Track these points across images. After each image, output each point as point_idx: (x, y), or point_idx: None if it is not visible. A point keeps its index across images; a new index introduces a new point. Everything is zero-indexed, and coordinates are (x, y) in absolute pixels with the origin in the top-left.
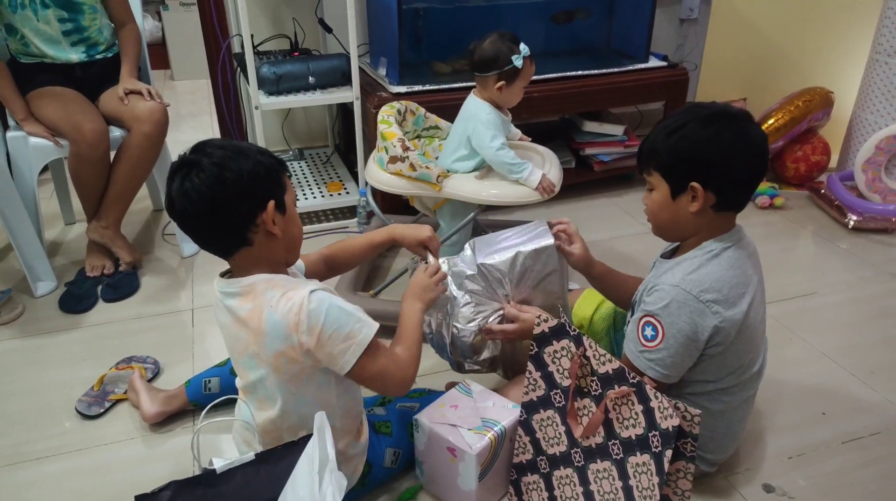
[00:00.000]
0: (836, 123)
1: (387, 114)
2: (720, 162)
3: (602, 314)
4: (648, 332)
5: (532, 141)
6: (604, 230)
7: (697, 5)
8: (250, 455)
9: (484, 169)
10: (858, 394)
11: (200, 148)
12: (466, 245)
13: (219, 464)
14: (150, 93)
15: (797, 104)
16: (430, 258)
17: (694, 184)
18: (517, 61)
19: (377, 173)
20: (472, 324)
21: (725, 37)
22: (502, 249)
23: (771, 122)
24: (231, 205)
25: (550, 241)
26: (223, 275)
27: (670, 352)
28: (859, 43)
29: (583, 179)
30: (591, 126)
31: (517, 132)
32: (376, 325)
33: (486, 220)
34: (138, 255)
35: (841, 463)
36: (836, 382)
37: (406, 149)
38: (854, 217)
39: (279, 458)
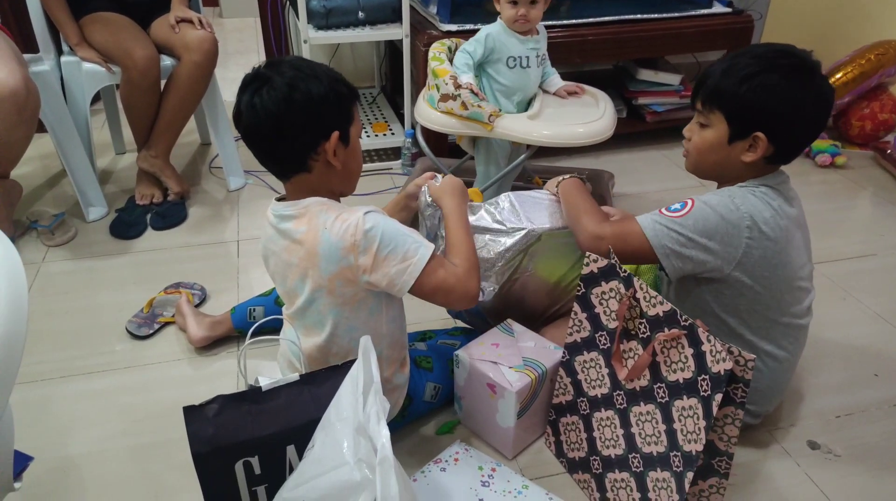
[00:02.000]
0: None
1: (438, 51)
2: (794, 118)
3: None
4: (676, 205)
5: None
6: (653, 182)
7: None
8: (295, 376)
9: (536, 108)
10: None
11: (275, 64)
12: (503, 197)
13: (264, 382)
14: (200, 21)
15: (868, 58)
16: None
17: (759, 134)
18: None
19: (427, 112)
20: (490, 286)
21: None
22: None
23: (839, 76)
24: (295, 129)
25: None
26: (278, 200)
27: (687, 228)
28: None
29: (634, 130)
30: (646, 74)
31: (556, 83)
32: (432, 246)
33: (533, 167)
34: (186, 186)
35: (890, 426)
36: (890, 344)
37: (458, 86)
38: None
39: (323, 380)
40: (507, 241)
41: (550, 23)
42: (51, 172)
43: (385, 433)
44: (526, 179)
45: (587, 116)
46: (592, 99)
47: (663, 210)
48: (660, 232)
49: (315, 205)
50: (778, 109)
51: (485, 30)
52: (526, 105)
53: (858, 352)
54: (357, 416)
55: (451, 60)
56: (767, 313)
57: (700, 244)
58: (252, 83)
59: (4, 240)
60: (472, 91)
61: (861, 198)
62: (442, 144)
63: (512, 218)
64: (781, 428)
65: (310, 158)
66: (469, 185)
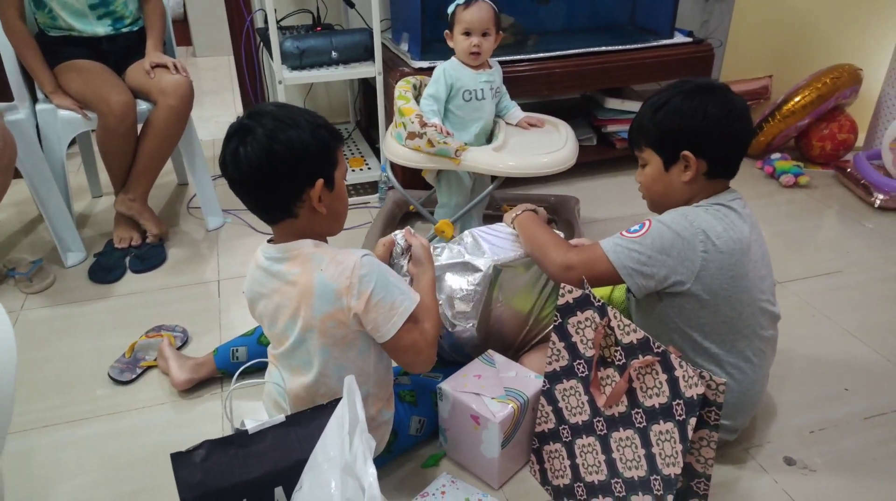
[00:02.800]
0: (865, 102)
1: (403, 89)
2: (707, 130)
3: (622, 290)
4: (635, 226)
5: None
6: (624, 207)
7: None
8: (281, 417)
9: (501, 140)
10: (882, 371)
11: (257, 114)
12: (466, 234)
13: (250, 425)
14: (175, 66)
15: (825, 81)
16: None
17: (685, 153)
18: (450, 9)
19: (395, 148)
20: (469, 322)
21: (751, 13)
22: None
23: (797, 99)
24: (278, 179)
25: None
26: (269, 242)
27: (646, 247)
28: (889, 20)
29: (603, 157)
30: (612, 103)
31: (517, 115)
32: (417, 298)
33: (502, 195)
34: (165, 227)
35: (863, 439)
36: (859, 359)
37: (424, 125)
38: (881, 196)
39: (309, 420)
40: (477, 276)
41: (518, 57)
42: (26, 218)
43: (372, 472)
44: (494, 208)
45: (550, 145)
46: (554, 129)
47: (624, 232)
48: (621, 254)
49: (307, 247)
50: (690, 124)
51: (440, 67)
52: (485, 137)
53: (828, 368)
54: (344, 456)
55: (416, 98)
56: (730, 326)
57: (659, 261)
58: (235, 135)
59: None
60: (437, 130)
61: (826, 216)
62: (416, 176)
63: (477, 253)
64: (757, 445)
65: (295, 206)
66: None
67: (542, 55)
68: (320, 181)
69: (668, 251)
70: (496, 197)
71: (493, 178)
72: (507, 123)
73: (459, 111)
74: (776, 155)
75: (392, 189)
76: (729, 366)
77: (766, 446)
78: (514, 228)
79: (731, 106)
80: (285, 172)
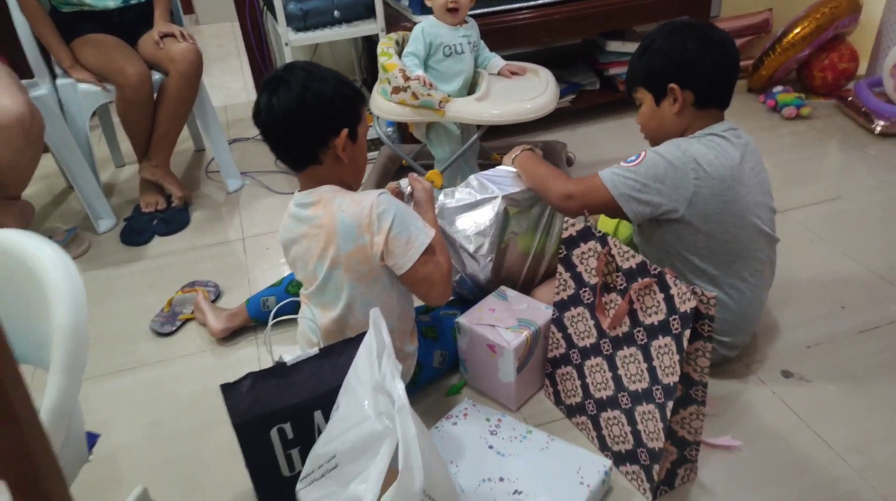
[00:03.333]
0: (865, 29)
1: (385, 46)
2: (688, 61)
3: (628, 226)
4: (632, 156)
5: (542, 63)
6: (627, 149)
7: None
8: (315, 350)
9: (483, 90)
10: (878, 288)
11: (290, 68)
12: (471, 178)
13: (288, 358)
14: (182, 34)
15: (823, 11)
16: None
17: (672, 85)
18: None
19: (382, 103)
20: (487, 257)
21: None
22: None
23: (797, 31)
24: (308, 125)
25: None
26: (299, 191)
27: (641, 175)
28: None
29: (607, 100)
30: (613, 46)
31: (498, 64)
32: (433, 232)
33: (491, 144)
34: (188, 191)
35: (857, 351)
36: (856, 278)
37: (407, 79)
38: (881, 122)
39: (340, 352)
40: (489, 211)
41: (517, 6)
42: (56, 190)
43: (400, 386)
44: (485, 157)
45: (531, 91)
46: (534, 75)
47: (621, 163)
48: (618, 182)
49: (328, 191)
50: (671, 59)
51: (418, 26)
52: (467, 89)
53: (826, 288)
54: (374, 377)
55: (399, 53)
56: (726, 248)
57: (653, 188)
58: (269, 85)
59: (55, 247)
60: (421, 82)
61: (827, 145)
62: (407, 130)
63: (485, 191)
64: (757, 361)
65: (321, 152)
66: (429, 168)
67: (539, 2)
68: (345, 131)
69: (662, 179)
70: (486, 147)
71: (479, 126)
72: (490, 73)
73: (440, 66)
74: (778, 88)
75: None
76: (727, 286)
77: (766, 361)
78: (514, 167)
79: (709, 38)
80: (313, 120)
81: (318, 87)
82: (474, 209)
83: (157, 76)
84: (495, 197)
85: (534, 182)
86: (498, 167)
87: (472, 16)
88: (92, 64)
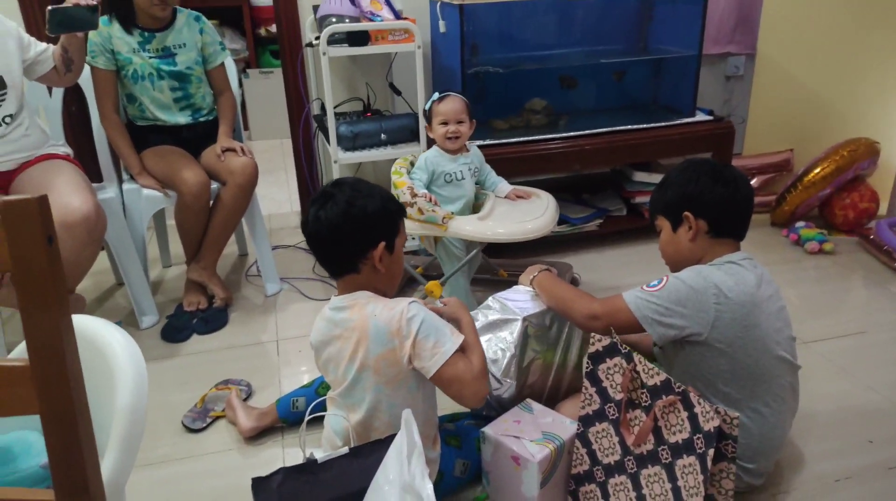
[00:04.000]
0: (885, 172)
1: (399, 165)
2: (703, 192)
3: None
4: (654, 281)
5: (577, 191)
6: (652, 273)
7: (743, 63)
8: (345, 449)
9: (486, 210)
10: None
11: (339, 184)
12: (491, 300)
13: (318, 455)
14: (242, 150)
15: (842, 154)
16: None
17: (686, 213)
18: (427, 105)
19: None
20: (508, 380)
21: (770, 91)
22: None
23: (817, 170)
24: (349, 237)
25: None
26: (336, 296)
27: (663, 299)
28: None
29: (633, 226)
30: (640, 176)
31: (505, 188)
32: (461, 338)
33: (499, 261)
34: (230, 293)
35: (887, 487)
36: (882, 413)
37: (414, 195)
38: None
39: (370, 452)
40: (511, 334)
41: (550, 136)
42: (104, 286)
43: (429, 486)
44: (493, 273)
45: (531, 214)
46: (538, 200)
47: (644, 286)
48: (641, 305)
49: (363, 297)
50: (685, 190)
51: (422, 157)
52: (469, 211)
53: (852, 421)
54: (403, 477)
55: (408, 173)
56: (749, 372)
57: (676, 312)
58: (319, 199)
59: (124, 332)
60: (427, 199)
61: (850, 280)
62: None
63: (507, 313)
64: (784, 492)
65: (360, 262)
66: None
67: (572, 134)
68: (382, 244)
69: (684, 303)
70: (493, 263)
71: (480, 243)
72: (497, 197)
73: (442, 191)
74: (801, 223)
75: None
76: (749, 410)
77: (793, 493)
78: (533, 287)
79: (720, 173)
80: (355, 233)
81: (363, 203)
82: (495, 331)
83: (214, 185)
84: (516, 319)
85: (555, 303)
86: (515, 287)
87: (509, 144)
88: (157, 172)
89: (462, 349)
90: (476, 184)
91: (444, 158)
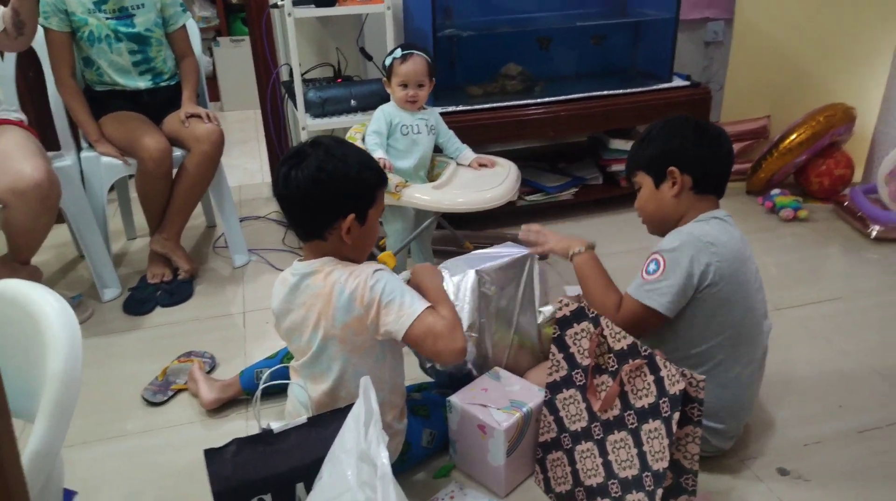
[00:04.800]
0: (860, 139)
1: (355, 131)
2: (688, 147)
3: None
4: (651, 267)
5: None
6: (629, 242)
7: (722, 29)
8: (303, 419)
9: (444, 179)
10: (877, 389)
11: (315, 142)
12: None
13: (275, 426)
14: (208, 116)
15: (818, 120)
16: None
17: (672, 168)
18: (387, 61)
19: None
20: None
21: (748, 58)
22: (488, 259)
23: (793, 137)
24: (317, 203)
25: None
26: (300, 261)
27: (669, 282)
28: (880, 60)
29: (610, 194)
30: (617, 143)
31: (468, 156)
32: (426, 303)
33: (465, 233)
34: (195, 265)
35: (857, 451)
36: (855, 377)
37: None
38: (877, 227)
39: (329, 422)
40: (465, 288)
41: (526, 102)
42: (66, 259)
43: (384, 454)
44: (458, 245)
45: (489, 183)
46: (502, 170)
47: (644, 276)
48: (652, 298)
49: (329, 263)
50: (672, 145)
51: (379, 109)
52: (423, 169)
53: (825, 386)
54: (359, 445)
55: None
56: (735, 332)
57: (686, 284)
58: (292, 158)
59: (58, 297)
60: (380, 164)
61: (825, 247)
62: None
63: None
64: (752, 457)
65: (326, 231)
66: (382, 249)
67: (548, 100)
68: (351, 216)
69: (691, 271)
70: (458, 235)
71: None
72: (459, 164)
73: (398, 144)
74: (776, 191)
75: None
76: (727, 371)
77: (762, 457)
78: (571, 262)
79: (704, 129)
80: (323, 200)
81: (334, 168)
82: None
83: (177, 153)
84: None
85: (586, 295)
86: (507, 243)
87: (483, 110)
88: (116, 138)
89: (430, 308)
90: (438, 150)
91: (402, 110)
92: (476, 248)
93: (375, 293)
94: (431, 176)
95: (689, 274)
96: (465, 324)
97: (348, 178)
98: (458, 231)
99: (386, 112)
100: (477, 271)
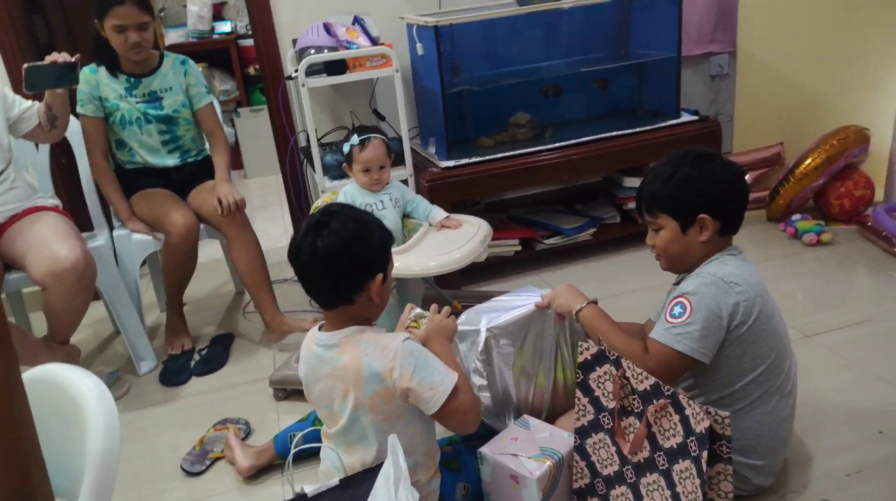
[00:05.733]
0: (878, 158)
1: (323, 201)
2: (720, 192)
3: None
4: (677, 310)
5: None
6: (648, 279)
7: (726, 61)
8: (335, 481)
9: (410, 243)
10: None
11: (330, 212)
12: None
13: (308, 489)
14: (232, 204)
15: (832, 143)
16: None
17: (703, 215)
18: (345, 148)
19: None
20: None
21: (755, 88)
22: (503, 310)
23: (809, 161)
24: (348, 269)
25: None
26: (319, 329)
27: (697, 326)
28: (889, 78)
29: (627, 233)
30: (630, 181)
31: (437, 216)
32: (456, 376)
33: (452, 292)
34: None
35: None
36: (891, 403)
37: None
38: None
39: (361, 482)
40: (477, 343)
41: (537, 148)
42: (102, 336)
43: None
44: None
45: (449, 246)
46: (472, 229)
47: (669, 320)
48: (683, 342)
49: (354, 334)
50: (705, 189)
51: (342, 191)
52: (401, 243)
53: (862, 413)
54: None
55: None
56: (768, 366)
57: (715, 325)
58: (314, 228)
59: (95, 378)
60: None
61: (852, 270)
62: None
63: (473, 322)
64: (794, 492)
65: (355, 294)
66: None
67: (559, 144)
68: (380, 275)
69: (718, 313)
70: (445, 294)
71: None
72: (431, 225)
73: None
74: (797, 216)
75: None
76: (763, 406)
77: (804, 491)
78: (577, 320)
79: (732, 168)
80: (354, 264)
81: (361, 233)
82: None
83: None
84: (482, 327)
85: (607, 345)
86: (527, 286)
87: (495, 159)
88: (146, 215)
89: (457, 384)
90: (406, 216)
91: (363, 191)
92: (464, 308)
93: (406, 371)
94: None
95: (718, 316)
96: (483, 388)
97: (373, 239)
98: (445, 290)
99: (349, 194)
100: (488, 330)
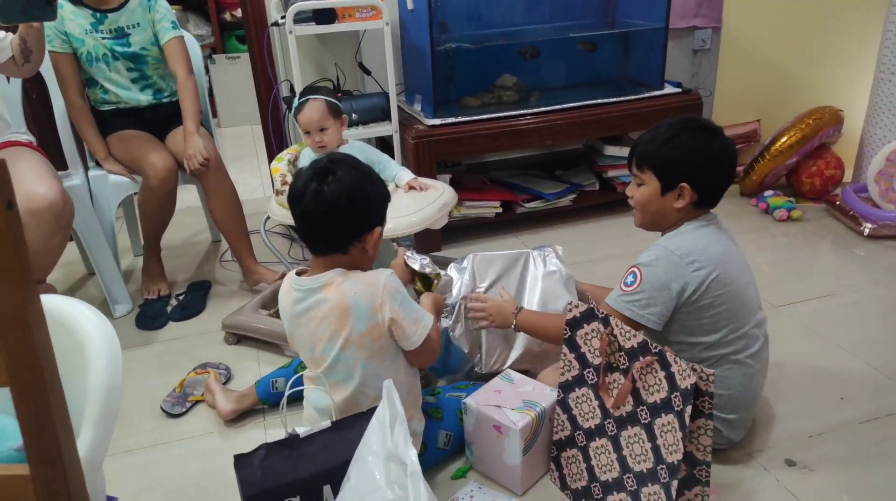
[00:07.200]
0: (849, 140)
1: (285, 152)
2: (707, 168)
3: None
4: (629, 279)
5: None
6: (624, 246)
7: (709, 36)
8: (327, 423)
9: None
10: (874, 381)
11: (338, 160)
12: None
13: (301, 430)
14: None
15: (808, 122)
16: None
17: (684, 184)
18: (294, 106)
19: (271, 205)
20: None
21: (737, 64)
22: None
23: (783, 140)
24: (350, 217)
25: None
26: (298, 274)
27: (645, 295)
28: (865, 64)
29: (606, 200)
30: (611, 150)
31: (404, 178)
32: (432, 317)
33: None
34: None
35: (859, 441)
36: (852, 371)
37: (284, 183)
38: (869, 225)
39: (352, 424)
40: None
41: (522, 112)
42: (75, 277)
43: (412, 452)
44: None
45: (410, 208)
46: (436, 192)
47: (622, 287)
48: (631, 306)
49: (338, 275)
50: (693, 160)
51: (302, 151)
52: None
53: (824, 380)
54: (386, 446)
55: (291, 162)
56: (731, 326)
57: (664, 296)
58: (319, 173)
59: (95, 310)
60: None
61: (819, 246)
62: None
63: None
64: (759, 450)
65: (351, 244)
66: None
67: (543, 109)
68: (378, 229)
69: (667, 284)
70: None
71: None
72: (398, 186)
73: None
74: (769, 192)
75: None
76: (732, 362)
77: (768, 450)
78: (516, 329)
79: (727, 148)
80: (357, 214)
81: (364, 181)
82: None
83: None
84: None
85: (548, 336)
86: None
87: (480, 121)
88: (123, 156)
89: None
90: None
91: (318, 153)
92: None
93: (395, 305)
94: None
95: (666, 288)
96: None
97: (376, 191)
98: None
99: (305, 155)
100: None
